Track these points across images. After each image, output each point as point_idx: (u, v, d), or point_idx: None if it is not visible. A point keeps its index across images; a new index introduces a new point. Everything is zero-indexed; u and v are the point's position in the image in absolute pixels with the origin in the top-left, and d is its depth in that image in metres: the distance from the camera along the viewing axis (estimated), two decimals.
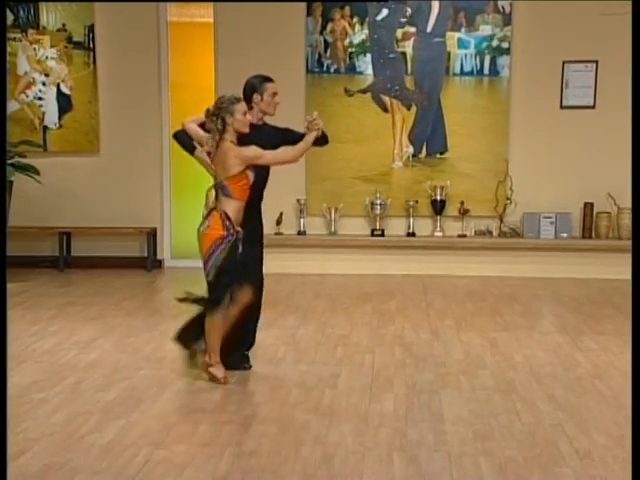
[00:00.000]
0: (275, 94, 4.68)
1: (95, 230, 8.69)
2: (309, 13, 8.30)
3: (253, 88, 4.67)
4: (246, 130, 4.41)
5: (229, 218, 4.33)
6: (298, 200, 8.41)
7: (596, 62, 8.08)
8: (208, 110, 4.39)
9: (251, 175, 4.40)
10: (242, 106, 4.42)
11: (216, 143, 4.36)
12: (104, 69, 8.63)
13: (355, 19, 8.29)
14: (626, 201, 8.01)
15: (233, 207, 4.36)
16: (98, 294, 7.29)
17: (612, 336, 5.69)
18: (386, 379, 4.63)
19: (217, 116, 4.35)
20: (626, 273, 7.90)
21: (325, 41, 8.34)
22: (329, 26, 8.31)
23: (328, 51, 8.35)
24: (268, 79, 4.73)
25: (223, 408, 4.13)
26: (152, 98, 8.63)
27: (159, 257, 8.85)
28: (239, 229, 4.39)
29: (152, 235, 8.71)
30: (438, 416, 4.02)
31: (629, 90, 7.96)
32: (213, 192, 4.46)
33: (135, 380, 4.58)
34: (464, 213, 8.29)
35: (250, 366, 4.80)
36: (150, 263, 8.63)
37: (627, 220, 8.03)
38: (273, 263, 8.29)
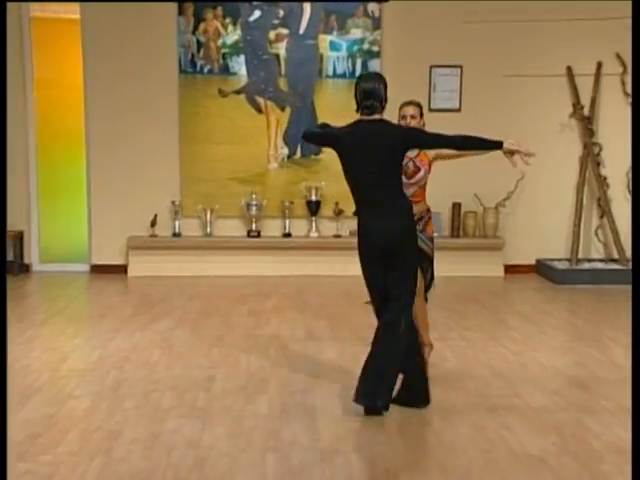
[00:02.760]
0: None
1: None
2: (180, 12, 8.20)
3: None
4: None
5: None
6: (173, 202, 8.29)
7: (460, 67, 8.39)
8: None
9: None
10: None
11: None
12: None
13: (228, 20, 8.25)
14: (490, 201, 8.38)
15: None
16: None
17: (477, 332, 5.93)
18: (261, 380, 4.65)
19: None
20: (491, 270, 8.33)
21: (198, 41, 8.25)
22: (201, 26, 8.23)
23: (201, 51, 8.27)
24: None
25: (92, 415, 4.02)
26: (16, 96, 8.26)
27: (26, 261, 8.51)
28: None
29: (19, 239, 8.37)
30: (312, 415, 4.07)
31: (491, 93, 8.36)
32: None
33: None
34: (339, 213, 8.42)
35: None
36: (17, 268, 8.29)
37: (492, 219, 8.38)
38: (147, 266, 8.24)
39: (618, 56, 8.29)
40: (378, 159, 4.08)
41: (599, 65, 8.35)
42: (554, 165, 8.34)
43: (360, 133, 4.13)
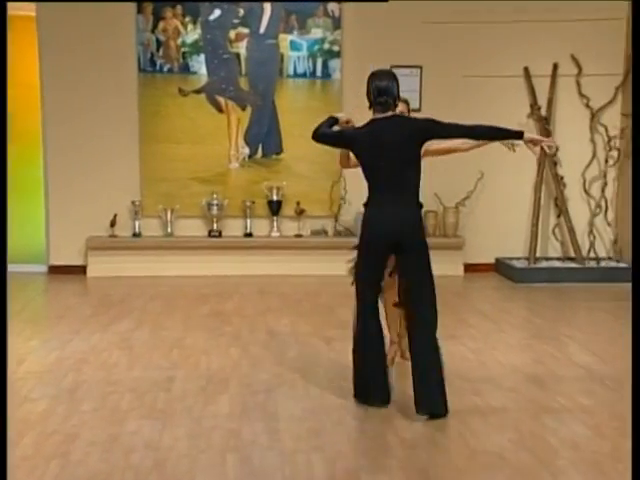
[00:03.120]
0: None
1: None
2: (139, 10, 8.12)
3: None
4: None
5: None
6: (133, 202, 8.22)
7: (420, 67, 8.44)
8: None
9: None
10: None
11: None
12: None
13: (187, 18, 8.20)
14: (450, 200, 8.45)
15: None
16: None
17: (437, 330, 5.95)
18: (221, 380, 4.63)
19: None
20: (451, 269, 8.38)
21: (157, 40, 8.19)
22: (161, 24, 8.16)
23: (161, 50, 8.21)
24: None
25: (48, 418, 3.97)
26: None
27: None
28: None
29: None
30: (273, 415, 4.06)
31: (451, 93, 8.42)
32: None
33: None
34: (300, 213, 8.42)
35: None
36: None
37: (452, 219, 8.45)
38: (107, 266, 8.16)
39: (573, 57, 8.42)
40: (397, 155, 4.06)
41: (555, 66, 8.48)
42: (513, 165, 8.42)
43: (376, 131, 4.10)
